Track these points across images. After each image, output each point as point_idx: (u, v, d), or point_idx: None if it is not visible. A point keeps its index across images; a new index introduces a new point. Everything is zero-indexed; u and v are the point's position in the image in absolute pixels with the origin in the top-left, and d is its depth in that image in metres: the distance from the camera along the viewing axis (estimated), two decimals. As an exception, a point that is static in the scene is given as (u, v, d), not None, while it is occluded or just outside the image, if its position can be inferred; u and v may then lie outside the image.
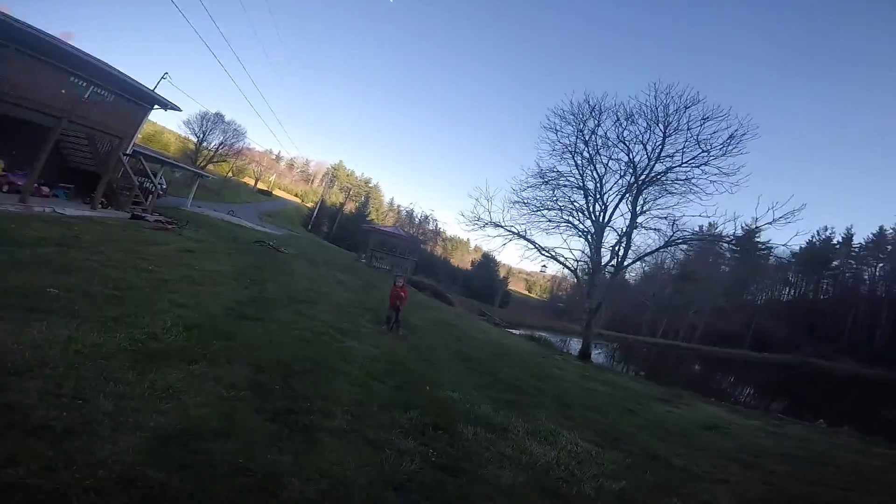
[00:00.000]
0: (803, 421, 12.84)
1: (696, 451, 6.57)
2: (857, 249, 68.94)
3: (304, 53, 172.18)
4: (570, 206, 19.04)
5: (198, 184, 29.20)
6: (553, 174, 19.19)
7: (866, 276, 68.89)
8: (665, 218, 16.98)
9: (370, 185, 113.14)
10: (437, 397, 5.75)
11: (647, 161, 17.01)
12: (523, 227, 19.25)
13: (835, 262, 71.12)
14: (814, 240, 68.02)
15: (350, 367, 5.89)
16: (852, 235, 68.94)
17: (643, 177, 17.14)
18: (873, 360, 52.02)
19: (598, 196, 18.29)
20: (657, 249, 18.49)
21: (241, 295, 8.05)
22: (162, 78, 23.27)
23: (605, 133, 17.86)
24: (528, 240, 19.58)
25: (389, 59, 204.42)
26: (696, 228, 18.00)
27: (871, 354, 54.56)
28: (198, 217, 22.32)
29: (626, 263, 18.01)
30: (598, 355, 38.63)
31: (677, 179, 16.53)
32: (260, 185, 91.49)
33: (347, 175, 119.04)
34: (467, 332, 13.38)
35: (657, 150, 16.67)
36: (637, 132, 17.26)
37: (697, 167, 15.80)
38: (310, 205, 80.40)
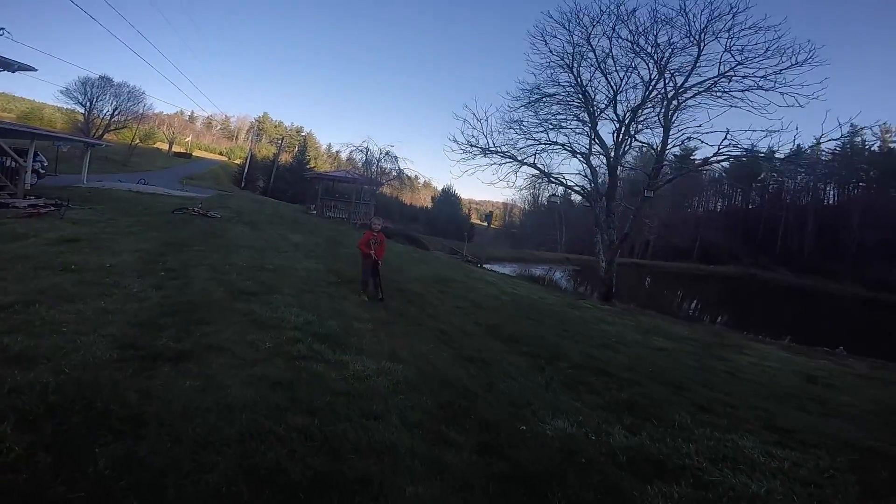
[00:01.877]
0: (827, 347, 11.78)
1: (851, 420, 5.07)
2: (777, 163, 72.06)
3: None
4: (571, 125, 16.10)
5: (89, 155, 23.65)
6: (547, 90, 15.91)
7: (790, 187, 72.81)
8: (709, 133, 14.34)
9: (303, 134, 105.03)
10: (550, 443, 3.30)
11: (678, 73, 13.94)
12: (523, 151, 16.25)
13: (762, 175, 74.21)
14: (742, 156, 69.50)
15: (385, 426, 3.10)
16: (774, 152, 71.85)
17: (676, 89, 14.05)
18: (804, 269, 56.29)
19: (610, 112, 15.35)
20: (701, 166, 15.89)
21: (151, 303, 4.85)
22: (-3, 34, 17.16)
23: (621, 39, 14.53)
24: (538, 167, 16.56)
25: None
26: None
27: (801, 264, 58.80)
28: (97, 193, 17.72)
29: (660, 184, 15.47)
30: (561, 278, 38.01)
31: (726, 91, 13.70)
32: (176, 149, 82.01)
33: (275, 126, 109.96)
34: (475, 288, 10.68)
35: (692, 60, 13.52)
36: (667, 38, 13.96)
37: (753, 77, 13.05)
38: (238, 161, 72.73)
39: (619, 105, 15.34)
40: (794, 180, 72.43)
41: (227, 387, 3.27)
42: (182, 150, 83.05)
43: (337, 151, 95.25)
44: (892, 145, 64.38)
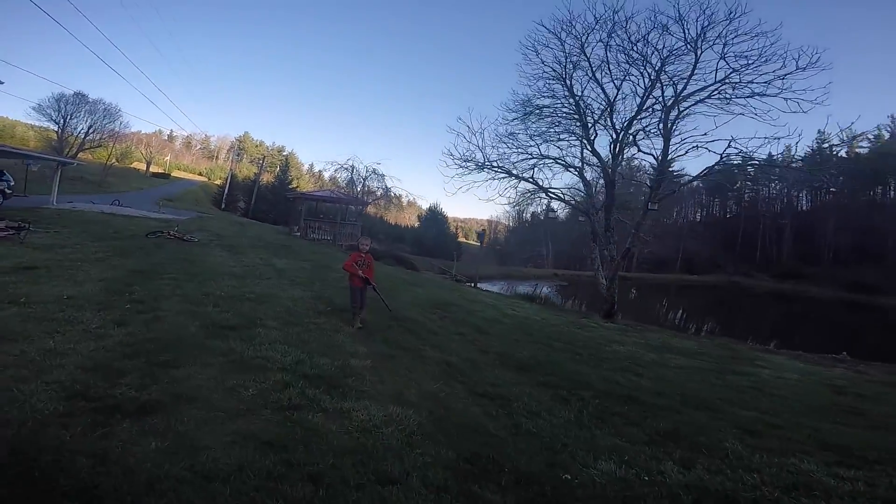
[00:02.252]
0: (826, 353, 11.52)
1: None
2: (751, 172, 74.40)
3: (185, 22, 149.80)
4: (564, 138, 15.69)
5: (60, 174, 22.56)
6: (540, 102, 15.45)
7: (765, 195, 74.76)
8: (713, 141, 13.87)
9: (284, 154, 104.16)
10: (602, 493, 2.86)
11: (676, 80, 13.73)
12: (517, 166, 15.75)
13: (737, 184, 75.78)
14: (716, 165, 70.95)
15: (405, 492, 2.49)
16: (749, 160, 73.96)
17: (676, 97, 13.62)
18: (784, 275, 57.86)
19: (606, 123, 14.77)
20: (702, 174, 15.35)
21: (111, 342, 4.13)
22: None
23: (616, 48, 14.21)
24: (536, 183, 15.80)
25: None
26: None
27: (780, 269, 60.65)
28: (66, 215, 16.75)
29: (659, 198, 14.97)
30: (553, 294, 37.65)
31: (728, 98, 13.14)
32: (154, 169, 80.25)
33: (256, 146, 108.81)
34: (474, 311, 9.98)
35: (690, 68, 13.39)
36: (662, 46, 13.68)
37: (749, 85, 12.73)
38: (218, 182, 71.45)
39: (615, 115, 14.98)
40: (768, 188, 74.30)
41: (204, 448, 2.61)
42: (160, 171, 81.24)
43: (319, 171, 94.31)
44: (858, 150, 66.52)
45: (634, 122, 14.64)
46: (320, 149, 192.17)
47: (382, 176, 25.55)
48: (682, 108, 13.99)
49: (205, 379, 3.54)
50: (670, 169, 17.69)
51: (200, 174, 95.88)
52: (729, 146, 13.49)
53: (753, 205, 74.60)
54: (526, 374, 5.47)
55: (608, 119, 14.95)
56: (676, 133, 14.13)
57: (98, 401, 3.02)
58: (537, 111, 15.59)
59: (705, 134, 14.05)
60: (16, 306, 4.77)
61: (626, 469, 3.14)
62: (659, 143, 14.58)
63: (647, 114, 14.57)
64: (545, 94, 15.70)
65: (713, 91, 13.57)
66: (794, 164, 15.52)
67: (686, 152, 14.11)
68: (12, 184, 19.88)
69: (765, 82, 12.88)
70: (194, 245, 12.96)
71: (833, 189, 65.64)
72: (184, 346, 4.19)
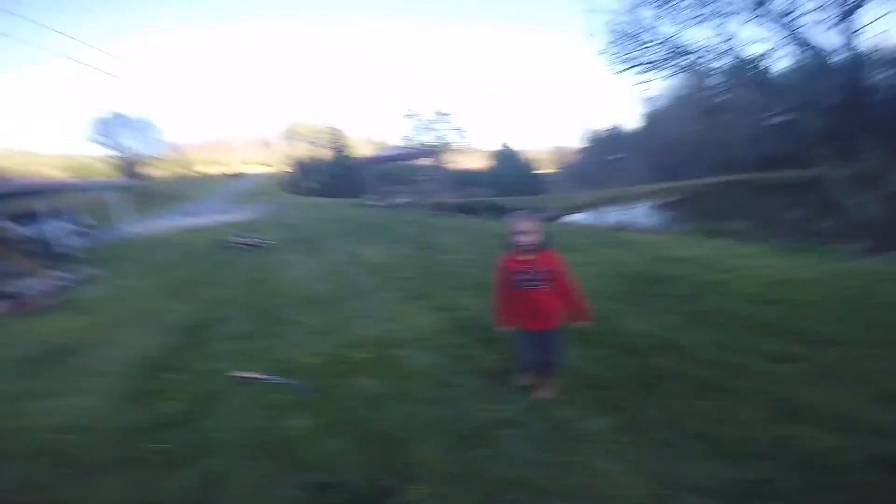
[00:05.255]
0: None
1: None
2: None
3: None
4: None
5: (124, 198, 21.53)
6: None
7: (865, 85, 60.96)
8: None
9: (335, 129, 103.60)
10: None
11: None
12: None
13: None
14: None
15: None
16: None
17: None
18: None
19: None
20: None
21: None
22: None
23: None
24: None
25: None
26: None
27: None
28: (132, 245, 15.21)
29: None
30: (664, 214, 32.36)
31: None
32: (223, 170, 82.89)
33: (307, 128, 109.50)
34: (702, 291, 5.54)
35: None
36: None
37: None
38: (284, 169, 71.90)
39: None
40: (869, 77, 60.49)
41: None
42: (229, 170, 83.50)
43: (369, 138, 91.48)
44: None
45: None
46: (364, 119, 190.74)
47: (449, 117, 21.55)
48: None
49: None
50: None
51: (267, 165, 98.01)
52: None
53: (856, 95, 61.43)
54: None
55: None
56: None
57: None
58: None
59: None
60: None
61: None
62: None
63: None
64: None
65: None
66: None
67: None
68: (90, 223, 17.98)
69: None
70: (267, 252, 10.57)
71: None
72: None
